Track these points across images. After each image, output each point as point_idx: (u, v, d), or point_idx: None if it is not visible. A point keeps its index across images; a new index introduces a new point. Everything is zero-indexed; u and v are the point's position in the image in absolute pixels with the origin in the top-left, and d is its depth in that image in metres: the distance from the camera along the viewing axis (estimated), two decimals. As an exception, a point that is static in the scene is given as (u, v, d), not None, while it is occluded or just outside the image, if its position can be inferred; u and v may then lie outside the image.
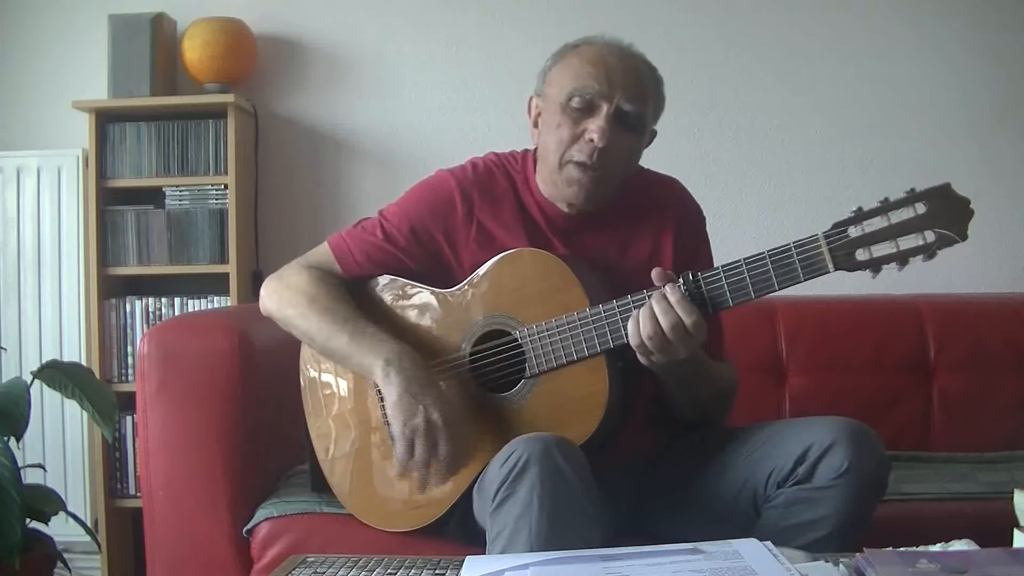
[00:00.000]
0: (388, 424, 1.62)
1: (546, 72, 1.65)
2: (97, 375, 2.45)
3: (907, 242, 1.32)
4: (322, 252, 1.71)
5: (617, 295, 1.49)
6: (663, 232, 1.65)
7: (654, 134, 1.68)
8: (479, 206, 1.65)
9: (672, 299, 1.41)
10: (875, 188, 1.40)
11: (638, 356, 1.45)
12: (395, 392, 1.50)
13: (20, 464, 2.00)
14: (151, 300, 2.71)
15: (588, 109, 1.56)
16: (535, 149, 1.67)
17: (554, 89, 1.60)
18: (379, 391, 1.62)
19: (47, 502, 2.14)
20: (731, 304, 1.42)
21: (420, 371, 1.52)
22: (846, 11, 2.76)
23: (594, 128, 1.54)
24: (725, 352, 1.70)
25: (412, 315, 1.66)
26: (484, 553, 1.37)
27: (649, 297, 1.43)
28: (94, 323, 2.69)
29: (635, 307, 1.45)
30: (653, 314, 1.41)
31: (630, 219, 1.66)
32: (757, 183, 2.78)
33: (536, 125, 1.66)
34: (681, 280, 1.43)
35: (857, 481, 1.40)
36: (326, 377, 1.73)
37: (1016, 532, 1.14)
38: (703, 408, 1.64)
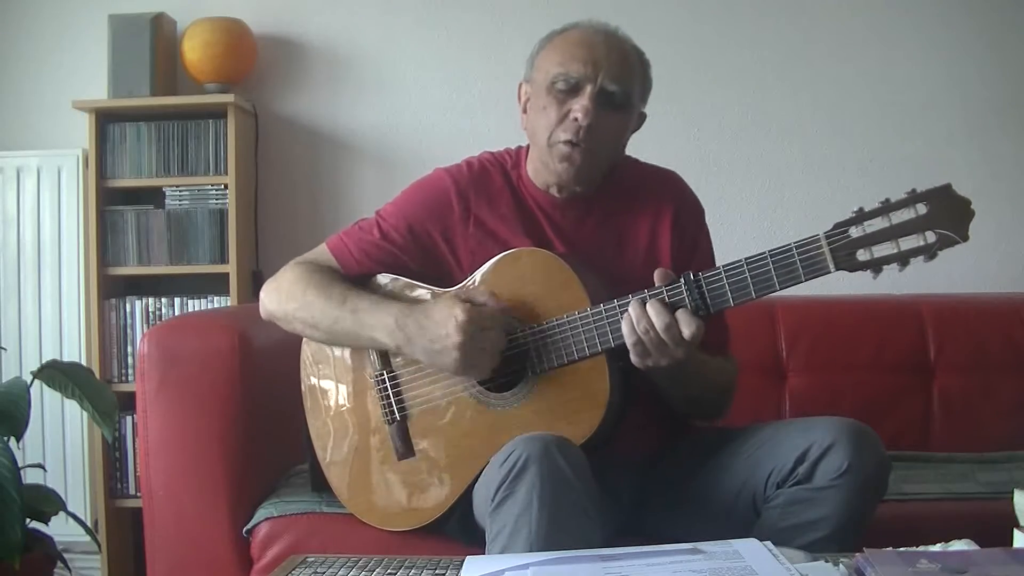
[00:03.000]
0: (389, 423, 1.62)
1: (533, 57, 1.66)
2: (97, 375, 2.45)
3: (908, 242, 1.32)
4: (320, 253, 1.72)
5: (616, 289, 1.49)
6: (661, 223, 1.66)
7: (643, 117, 1.68)
8: (476, 204, 1.66)
9: (670, 306, 1.41)
10: (875, 188, 1.40)
11: (632, 357, 1.45)
12: (420, 352, 1.54)
13: (20, 464, 2.00)
14: (151, 300, 2.71)
15: (573, 90, 1.57)
16: (528, 144, 1.68)
17: (540, 73, 1.62)
18: (381, 387, 1.63)
19: (47, 502, 2.14)
20: (732, 304, 1.42)
21: (418, 319, 1.54)
22: (846, 11, 2.76)
23: (578, 107, 1.55)
24: (729, 347, 1.70)
25: (412, 315, 1.66)
26: (484, 553, 1.37)
27: (650, 297, 1.44)
28: (94, 323, 2.69)
29: (635, 307, 1.45)
30: (646, 314, 1.41)
31: (627, 210, 1.67)
32: (757, 183, 2.78)
33: (525, 111, 1.67)
34: (682, 280, 1.43)
35: (857, 481, 1.40)
36: (326, 377, 1.73)
37: (1016, 532, 1.14)
38: (697, 405, 1.64)
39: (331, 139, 2.88)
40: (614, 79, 1.57)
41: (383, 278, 1.69)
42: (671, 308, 1.42)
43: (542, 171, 1.64)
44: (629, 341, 1.43)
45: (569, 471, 1.33)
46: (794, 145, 2.77)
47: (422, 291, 1.65)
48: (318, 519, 1.75)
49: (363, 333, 1.59)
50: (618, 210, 1.67)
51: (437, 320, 1.52)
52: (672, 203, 1.68)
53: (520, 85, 1.69)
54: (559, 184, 1.63)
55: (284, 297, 1.67)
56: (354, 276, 1.69)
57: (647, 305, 1.42)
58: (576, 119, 1.55)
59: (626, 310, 1.45)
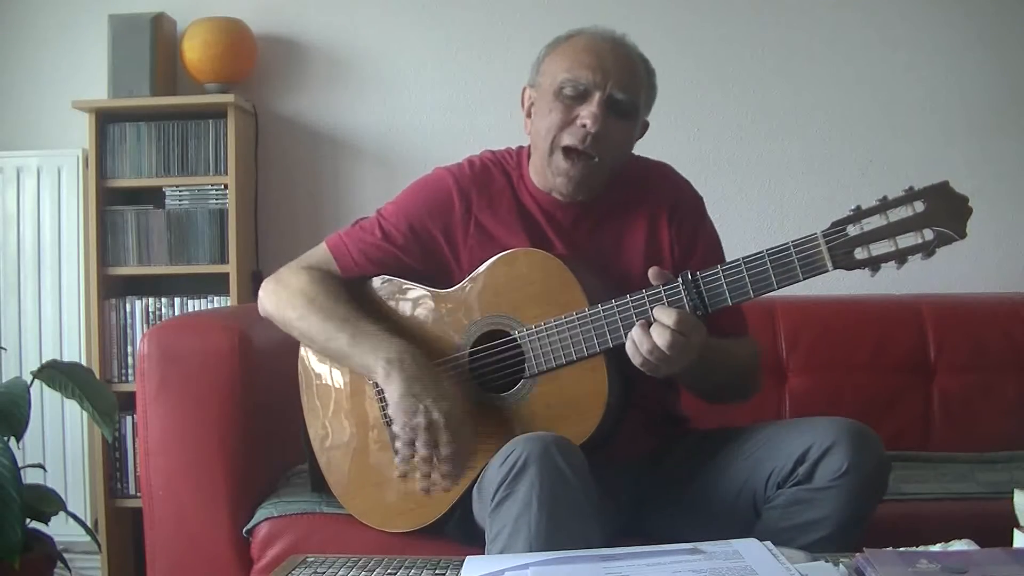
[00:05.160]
0: (388, 424, 1.62)
1: (540, 62, 1.65)
2: (97, 375, 2.45)
3: (906, 240, 1.32)
4: (320, 253, 1.71)
5: (616, 289, 1.49)
6: (658, 221, 1.65)
7: (646, 126, 1.68)
8: (477, 204, 1.65)
9: (669, 321, 1.40)
10: (875, 188, 1.39)
11: (645, 371, 1.44)
12: (397, 391, 1.50)
13: (20, 464, 2.00)
14: (151, 300, 2.71)
15: (581, 97, 1.56)
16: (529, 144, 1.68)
17: (547, 78, 1.61)
18: (379, 390, 1.62)
19: (47, 502, 2.14)
20: (730, 303, 1.42)
21: (422, 369, 1.52)
22: (846, 11, 2.76)
23: (587, 114, 1.54)
24: (746, 327, 1.69)
25: (410, 315, 1.66)
26: (484, 553, 1.37)
27: (649, 299, 1.44)
28: (94, 323, 2.69)
29: (634, 307, 1.45)
30: (649, 336, 1.40)
31: (625, 209, 1.66)
32: (757, 183, 2.78)
33: (529, 116, 1.66)
34: (680, 279, 1.43)
35: (857, 482, 1.40)
36: (324, 377, 1.73)
37: (1016, 532, 1.14)
38: (725, 391, 1.64)
39: (331, 139, 2.88)
40: (622, 88, 1.56)
41: (380, 279, 1.69)
42: (673, 318, 1.40)
43: (542, 177, 1.64)
44: (636, 362, 1.43)
45: (569, 471, 1.33)
46: (794, 145, 2.77)
47: (419, 292, 1.65)
48: (318, 519, 1.75)
49: (354, 353, 1.57)
50: (616, 210, 1.66)
51: (444, 383, 1.52)
52: (667, 199, 1.67)
53: (524, 90, 1.68)
54: (560, 191, 1.63)
55: (284, 303, 1.66)
56: (353, 277, 1.69)
57: (651, 328, 1.41)
58: (584, 125, 1.55)
59: (626, 311, 1.45)
